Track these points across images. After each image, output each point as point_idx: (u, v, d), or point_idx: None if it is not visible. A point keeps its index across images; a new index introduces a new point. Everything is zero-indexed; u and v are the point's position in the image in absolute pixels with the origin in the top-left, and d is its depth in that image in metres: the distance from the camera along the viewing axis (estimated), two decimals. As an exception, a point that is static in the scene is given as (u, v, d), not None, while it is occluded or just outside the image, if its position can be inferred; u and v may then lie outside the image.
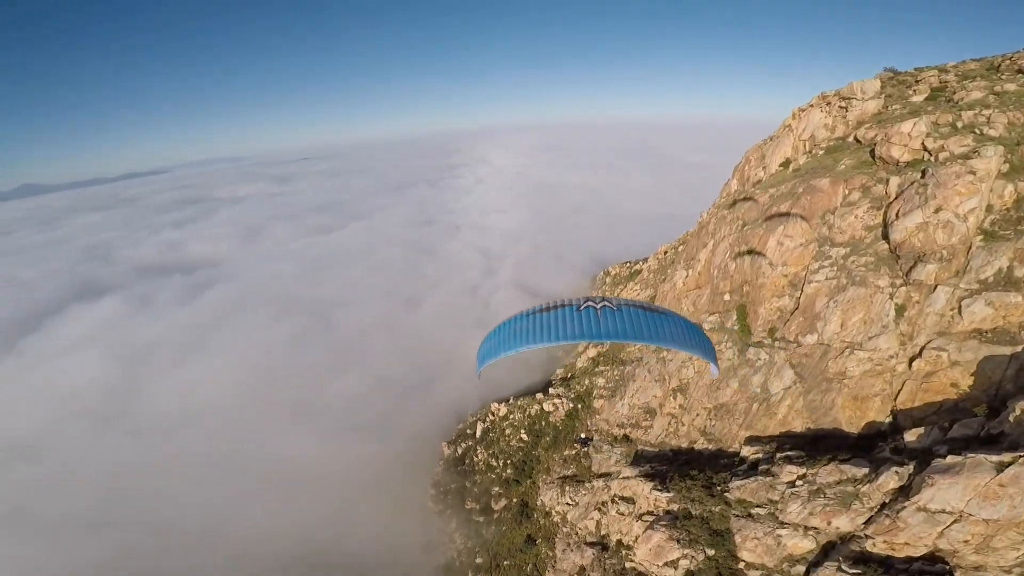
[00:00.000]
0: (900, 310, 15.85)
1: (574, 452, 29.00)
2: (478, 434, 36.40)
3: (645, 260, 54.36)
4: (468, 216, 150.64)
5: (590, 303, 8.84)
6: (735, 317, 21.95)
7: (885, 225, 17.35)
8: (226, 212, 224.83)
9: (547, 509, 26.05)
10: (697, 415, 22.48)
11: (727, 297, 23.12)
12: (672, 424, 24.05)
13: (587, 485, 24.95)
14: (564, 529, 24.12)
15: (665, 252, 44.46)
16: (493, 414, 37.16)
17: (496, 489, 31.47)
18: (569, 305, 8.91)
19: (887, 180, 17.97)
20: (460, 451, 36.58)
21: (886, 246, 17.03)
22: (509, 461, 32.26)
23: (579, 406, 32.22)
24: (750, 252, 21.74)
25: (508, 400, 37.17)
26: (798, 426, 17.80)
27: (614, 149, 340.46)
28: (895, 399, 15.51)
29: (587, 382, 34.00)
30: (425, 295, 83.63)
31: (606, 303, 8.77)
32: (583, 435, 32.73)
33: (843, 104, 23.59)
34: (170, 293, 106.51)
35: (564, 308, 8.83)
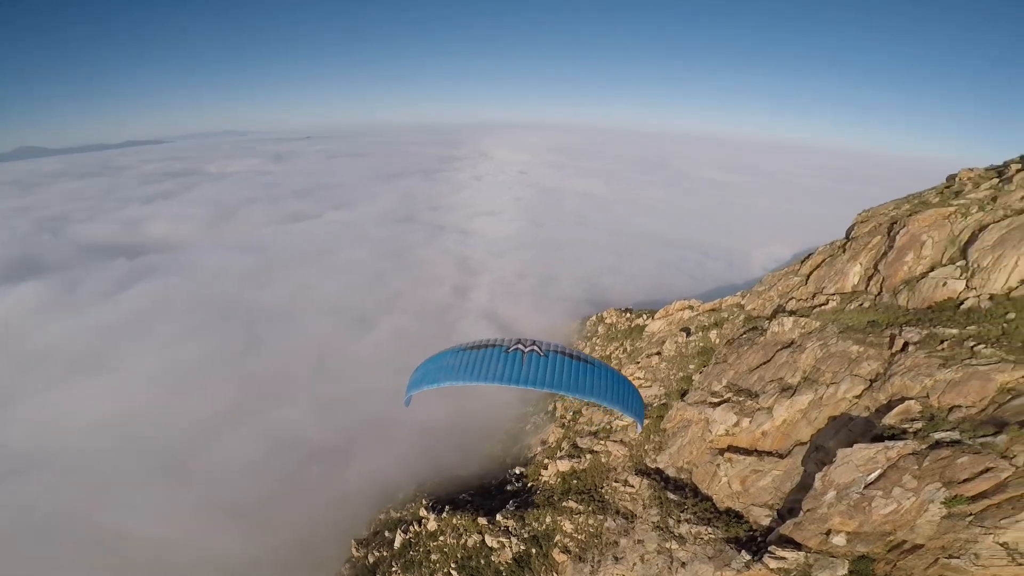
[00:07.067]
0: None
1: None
2: (396, 544, 23.82)
3: (651, 315, 39.08)
4: (454, 216, 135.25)
5: (519, 346, 8.77)
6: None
7: None
8: (206, 189, 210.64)
9: None
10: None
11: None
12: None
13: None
14: None
15: (679, 336, 28.69)
16: (419, 523, 24.17)
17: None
18: (499, 345, 8.80)
19: None
20: (372, 560, 24.30)
21: None
22: (434, 598, 20.17)
23: (534, 551, 20.11)
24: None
25: (444, 509, 23.91)
26: None
27: (629, 158, 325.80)
28: None
29: (549, 519, 20.77)
30: (380, 315, 68.78)
31: (535, 347, 8.60)
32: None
33: None
34: (101, 281, 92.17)
35: (493, 348, 8.78)
